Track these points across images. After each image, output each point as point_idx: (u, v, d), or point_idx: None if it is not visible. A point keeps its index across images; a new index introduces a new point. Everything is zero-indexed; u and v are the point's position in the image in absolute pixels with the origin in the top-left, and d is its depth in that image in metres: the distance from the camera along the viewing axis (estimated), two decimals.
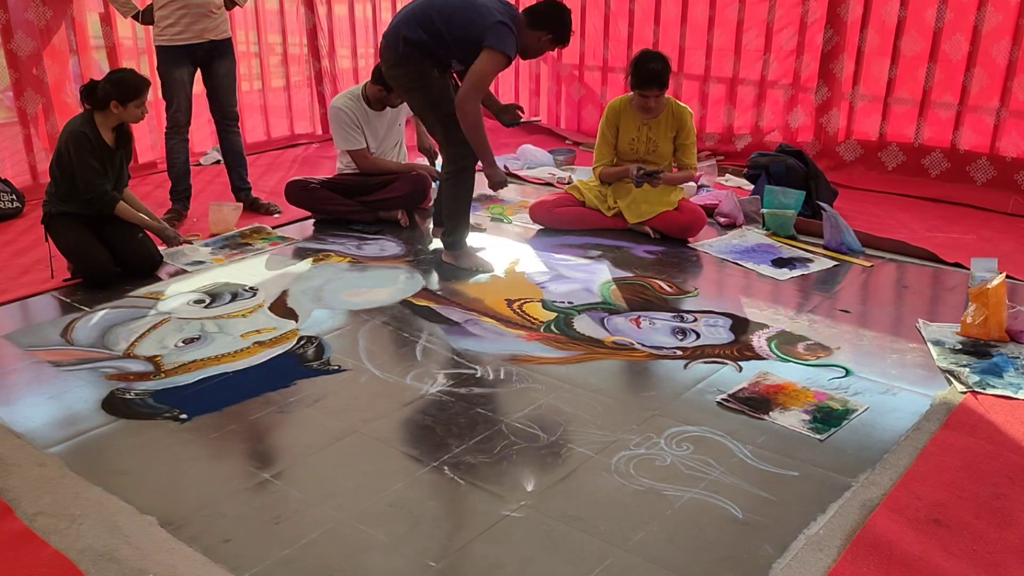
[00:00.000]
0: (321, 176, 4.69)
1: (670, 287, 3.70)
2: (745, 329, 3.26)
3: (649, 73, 4.10)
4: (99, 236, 3.70)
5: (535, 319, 3.35)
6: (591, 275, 3.84)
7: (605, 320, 3.35)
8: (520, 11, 3.76)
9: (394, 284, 3.74)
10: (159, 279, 3.74)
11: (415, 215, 4.63)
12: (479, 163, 3.81)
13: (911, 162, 5.29)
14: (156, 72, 4.47)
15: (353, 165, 4.61)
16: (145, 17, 4.46)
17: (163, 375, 2.89)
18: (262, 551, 2.02)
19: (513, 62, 3.85)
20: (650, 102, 4.16)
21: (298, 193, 4.52)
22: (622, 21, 6.35)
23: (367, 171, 4.51)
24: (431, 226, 4.40)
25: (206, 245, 4.13)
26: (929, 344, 3.11)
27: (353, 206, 4.48)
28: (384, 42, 3.80)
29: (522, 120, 4.11)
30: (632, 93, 4.24)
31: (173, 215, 4.48)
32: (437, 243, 4.15)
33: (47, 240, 3.73)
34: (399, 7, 6.93)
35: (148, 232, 3.86)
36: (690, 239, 4.27)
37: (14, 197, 4.67)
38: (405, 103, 4.47)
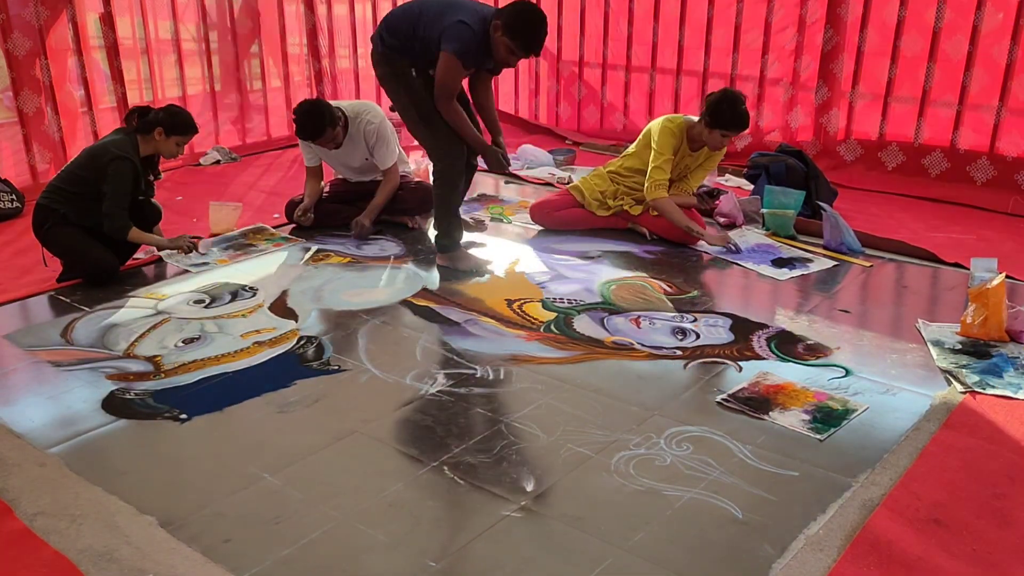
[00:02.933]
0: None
1: (670, 287, 3.70)
2: (745, 329, 3.26)
3: (742, 117, 4.05)
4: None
5: (535, 319, 3.35)
6: (591, 275, 3.84)
7: (605, 320, 3.35)
8: (496, 9, 3.58)
9: (394, 284, 3.74)
10: (152, 277, 3.75)
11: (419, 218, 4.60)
12: (472, 160, 3.80)
13: (911, 162, 5.29)
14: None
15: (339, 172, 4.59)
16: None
17: (163, 375, 2.89)
18: (262, 551, 2.02)
19: (489, 63, 3.71)
20: (727, 141, 4.15)
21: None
22: (622, 20, 6.35)
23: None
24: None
25: (213, 246, 4.12)
26: (929, 344, 3.11)
27: (356, 213, 4.46)
28: (372, 40, 3.84)
29: (504, 171, 3.97)
30: (707, 130, 4.09)
31: None
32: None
33: (41, 232, 3.70)
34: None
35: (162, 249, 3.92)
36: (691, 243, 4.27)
37: (14, 197, 4.67)
38: (359, 145, 4.35)
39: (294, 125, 4.22)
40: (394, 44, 3.69)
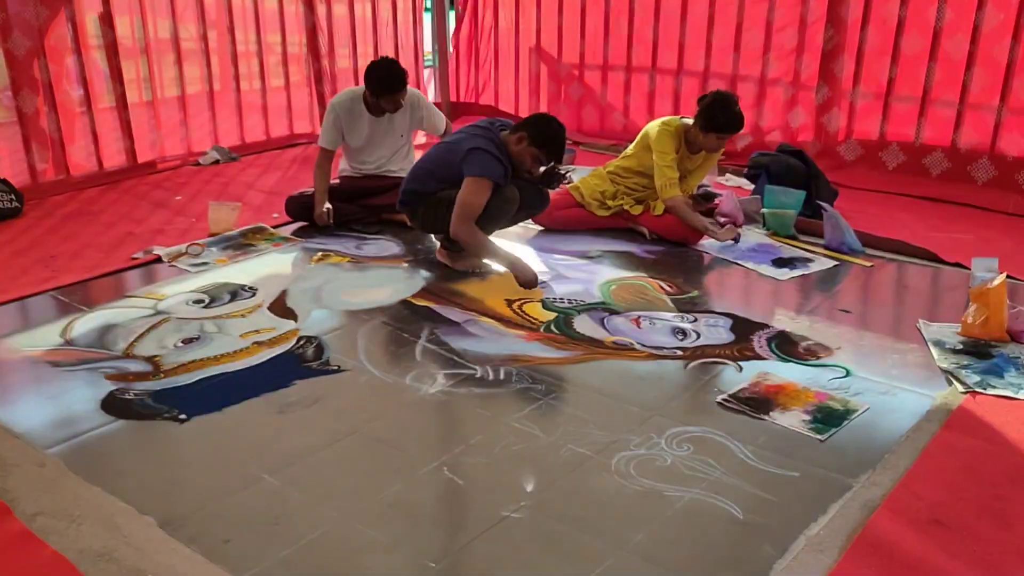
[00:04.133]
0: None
1: (670, 287, 3.70)
2: (745, 329, 3.26)
3: (738, 118, 4.06)
4: None
5: (535, 319, 3.35)
6: (591, 275, 3.83)
7: (605, 320, 3.34)
8: (513, 125, 3.77)
9: (394, 284, 3.73)
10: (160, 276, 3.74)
11: None
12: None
13: (912, 162, 5.29)
14: None
15: (351, 167, 4.58)
16: None
17: (162, 375, 2.88)
18: (261, 552, 2.02)
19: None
20: (723, 143, 4.16)
21: (299, 211, 4.47)
22: (622, 19, 6.35)
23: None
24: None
25: (210, 246, 4.11)
26: (930, 344, 3.11)
27: (356, 211, 4.46)
28: (399, 209, 4.04)
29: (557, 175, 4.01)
30: (702, 133, 4.10)
31: None
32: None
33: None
34: (399, 7, 6.96)
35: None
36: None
37: (13, 197, 4.66)
38: (407, 114, 4.47)
39: (372, 82, 4.25)
40: (411, 191, 3.85)
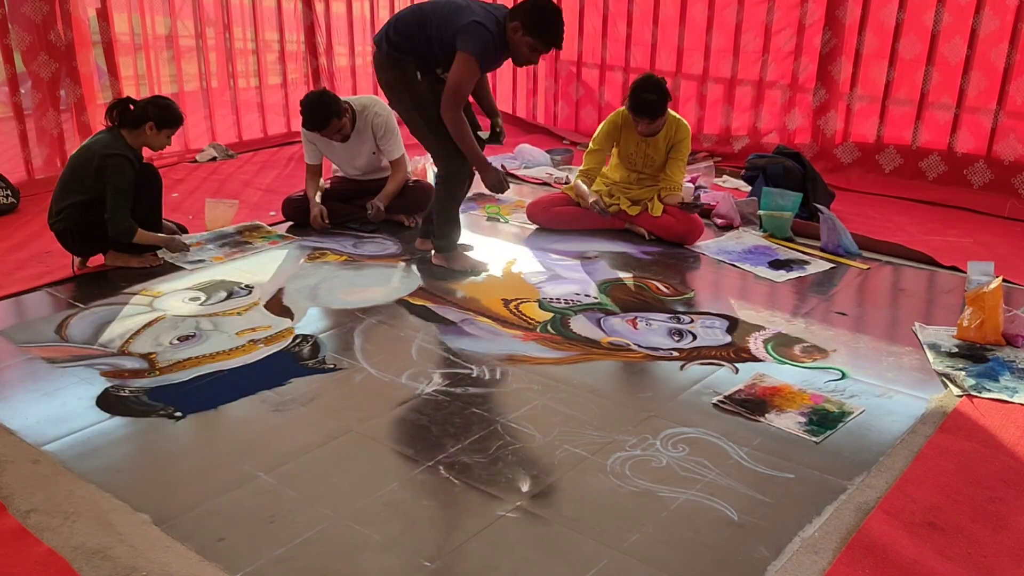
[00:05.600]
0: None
1: (667, 288, 3.70)
2: (742, 331, 3.26)
3: (643, 103, 4.08)
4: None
5: (531, 319, 3.35)
6: (588, 276, 3.83)
7: (601, 321, 3.34)
8: (510, 9, 3.56)
9: (390, 283, 3.73)
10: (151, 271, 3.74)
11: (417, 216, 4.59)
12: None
13: (908, 165, 5.30)
14: None
15: (342, 169, 4.59)
16: None
17: (158, 372, 2.87)
18: (256, 550, 2.01)
19: (502, 63, 3.71)
20: (641, 127, 4.18)
21: (296, 213, 4.46)
22: (620, 21, 6.36)
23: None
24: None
25: (209, 243, 4.11)
26: (925, 347, 3.11)
27: (353, 211, 4.45)
28: (374, 44, 3.79)
29: (502, 192, 3.91)
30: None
31: None
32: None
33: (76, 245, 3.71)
34: (397, 5, 6.95)
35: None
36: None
37: (9, 192, 4.65)
38: (366, 136, 4.36)
39: (301, 117, 4.19)
40: (401, 43, 3.63)
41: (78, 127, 5.23)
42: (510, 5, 3.79)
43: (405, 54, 3.65)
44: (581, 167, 4.48)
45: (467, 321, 3.32)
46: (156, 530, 2.07)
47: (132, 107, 3.68)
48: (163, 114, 3.68)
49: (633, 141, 4.30)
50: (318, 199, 4.40)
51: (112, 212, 3.60)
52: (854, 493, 2.25)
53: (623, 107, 4.33)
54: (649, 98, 4.07)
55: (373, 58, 3.83)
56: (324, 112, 4.11)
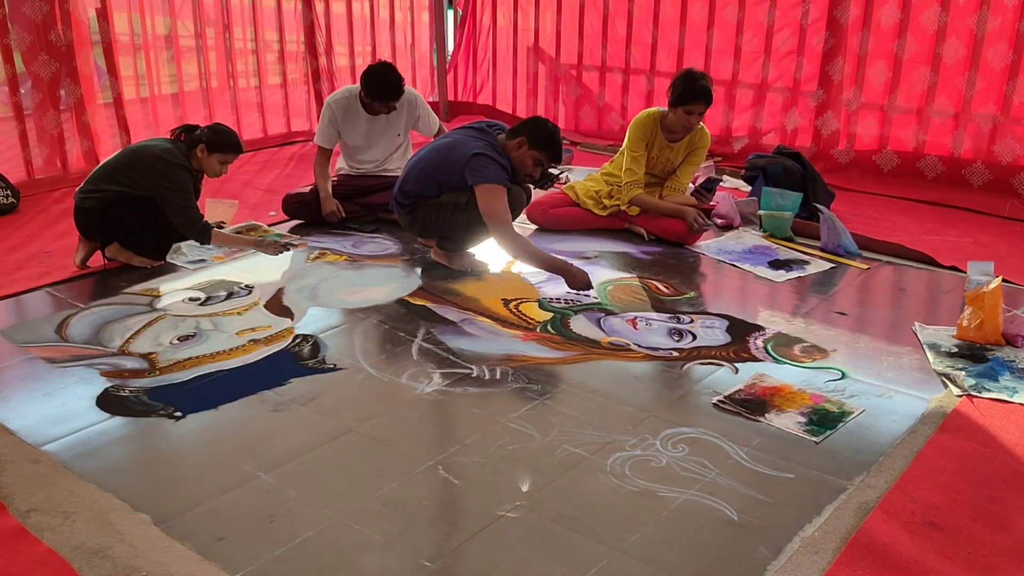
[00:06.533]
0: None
1: (667, 288, 3.70)
2: (742, 331, 3.26)
3: (701, 89, 4.06)
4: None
5: (531, 319, 3.35)
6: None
7: (601, 321, 3.34)
8: (509, 129, 3.74)
9: (390, 283, 3.73)
10: (157, 271, 3.74)
11: None
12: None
13: (908, 165, 5.30)
14: None
15: (349, 166, 4.58)
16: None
17: (158, 372, 2.88)
18: (256, 550, 2.01)
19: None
20: (693, 119, 4.13)
21: (295, 209, 4.47)
22: (620, 21, 6.36)
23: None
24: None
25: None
26: (925, 347, 3.11)
27: (354, 209, 4.46)
28: (391, 209, 3.99)
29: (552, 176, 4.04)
30: (671, 110, 4.14)
31: None
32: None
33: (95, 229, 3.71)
34: (396, 5, 6.95)
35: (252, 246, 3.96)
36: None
37: (9, 192, 4.65)
38: (403, 113, 4.47)
39: (369, 87, 4.25)
40: (411, 201, 3.79)
41: (78, 127, 5.23)
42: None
43: (420, 198, 3.79)
44: (629, 179, 4.27)
45: (467, 321, 3.32)
46: (156, 530, 2.07)
47: (196, 131, 3.74)
48: (213, 137, 3.71)
49: (659, 146, 4.29)
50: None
51: (181, 211, 3.65)
52: (854, 493, 2.25)
53: (652, 109, 4.30)
54: (704, 83, 4.08)
55: (400, 221, 3.99)
56: (397, 84, 4.25)
